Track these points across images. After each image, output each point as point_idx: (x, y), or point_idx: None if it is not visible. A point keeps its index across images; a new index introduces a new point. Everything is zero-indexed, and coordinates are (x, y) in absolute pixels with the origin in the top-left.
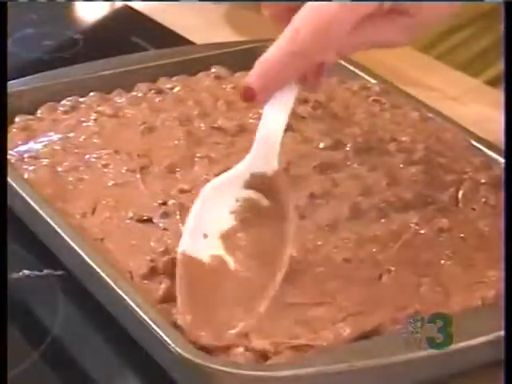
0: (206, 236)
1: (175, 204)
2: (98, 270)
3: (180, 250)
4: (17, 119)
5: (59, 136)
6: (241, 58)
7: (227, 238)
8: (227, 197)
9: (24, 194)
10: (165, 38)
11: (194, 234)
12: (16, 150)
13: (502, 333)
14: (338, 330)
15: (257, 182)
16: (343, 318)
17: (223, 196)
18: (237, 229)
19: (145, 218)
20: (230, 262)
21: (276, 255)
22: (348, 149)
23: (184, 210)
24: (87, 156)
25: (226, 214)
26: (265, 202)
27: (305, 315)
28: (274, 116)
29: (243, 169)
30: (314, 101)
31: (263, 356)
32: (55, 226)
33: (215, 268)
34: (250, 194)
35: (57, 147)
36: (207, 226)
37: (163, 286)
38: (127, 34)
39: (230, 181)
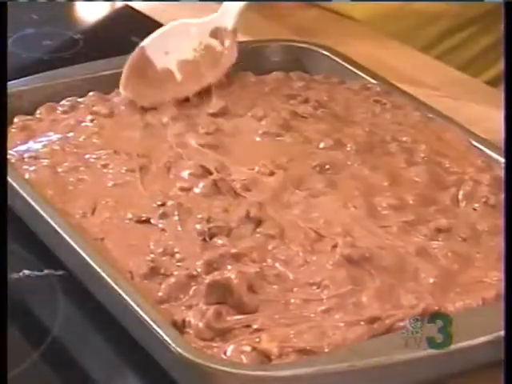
0: (167, 53)
1: (174, 205)
2: (99, 269)
3: (142, 44)
4: (15, 120)
5: (58, 136)
6: (241, 58)
7: (182, 63)
8: (194, 36)
9: (24, 194)
10: None
11: (158, 45)
12: (15, 149)
13: (502, 333)
14: (346, 334)
15: (218, 33)
16: (357, 322)
17: (191, 34)
18: (193, 62)
19: (144, 218)
20: (178, 77)
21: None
22: (349, 149)
23: (183, 210)
24: (87, 156)
25: (190, 49)
26: (219, 48)
27: (320, 322)
28: None
29: (212, 20)
30: (314, 101)
31: (267, 358)
32: (55, 226)
33: (162, 76)
34: (212, 41)
35: (56, 147)
36: (172, 47)
37: (163, 286)
38: (127, 33)
39: (200, 25)
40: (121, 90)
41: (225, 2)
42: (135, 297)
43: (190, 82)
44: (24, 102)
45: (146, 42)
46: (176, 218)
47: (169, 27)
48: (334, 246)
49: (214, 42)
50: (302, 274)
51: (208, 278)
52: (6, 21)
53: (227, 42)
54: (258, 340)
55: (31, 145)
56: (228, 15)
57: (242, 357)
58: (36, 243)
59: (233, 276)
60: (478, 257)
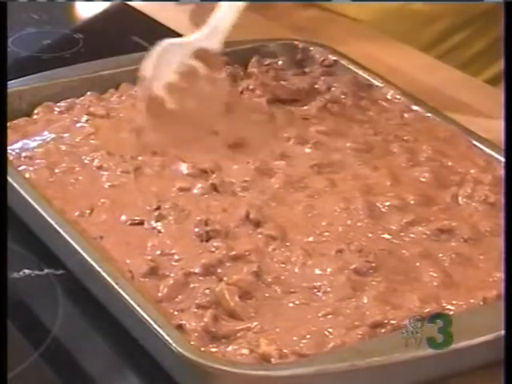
0: (155, 78)
1: (170, 206)
2: (99, 269)
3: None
4: (9, 123)
5: (53, 136)
6: (241, 57)
7: (169, 88)
8: (176, 58)
9: (24, 194)
10: (165, 37)
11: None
12: (12, 148)
13: (502, 333)
14: (348, 339)
15: (201, 54)
16: (359, 327)
17: (174, 56)
18: (178, 84)
19: (138, 221)
20: (169, 104)
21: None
22: (349, 151)
23: (179, 211)
24: (82, 157)
25: (171, 71)
26: (203, 70)
27: (320, 326)
28: (228, 9)
29: (195, 40)
30: (315, 102)
31: (267, 361)
32: (56, 226)
33: (158, 104)
34: (195, 62)
35: (51, 148)
36: (157, 72)
37: (162, 287)
38: (127, 33)
39: (183, 47)
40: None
41: (212, 22)
42: (136, 296)
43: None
44: (23, 101)
45: (147, 72)
46: (171, 218)
47: (157, 50)
48: (339, 251)
49: (197, 64)
50: (303, 277)
51: (202, 286)
52: (6, 21)
53: (213, 67)
54: (256, 343)
55: (28, 145)
56: (215, 36)
57: (240, 359)
58: (36, 243)
59: (223, 290)
60: (480, 258)
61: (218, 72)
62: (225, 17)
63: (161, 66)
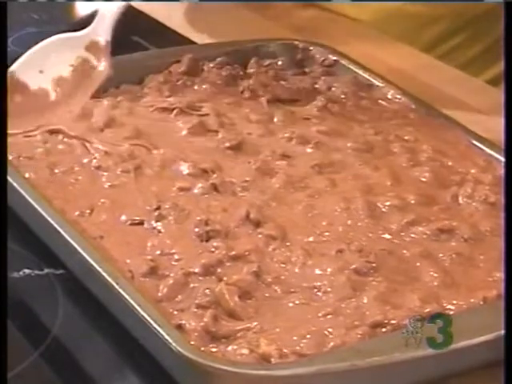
0: (41, 72)
1: (170, 206)
2: (99, 269)
3: (12, 68)
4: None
5: (54, 136)
6: (241, 57)
7: (58, 81)
8: (70, 51)
9: (24, 194)
10: (165, 37)
11: (31, 64)
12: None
13: (502, 332)
14: (348, 339)
15: (93, 47)
16: (359, 327)
17: (67, 50)
18: (68, 76)
19: (138, 221)
20: (53, 95)
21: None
22: (350, 151)
23: (179, 211)
24: (82, 157)
25: (65, 65)
26: (95, 62)
27: (320, 326)
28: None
29: (87, 34)
30: (315, 102)
31: (267, 360)
32: (56, 226)
33: (39, 97)
34: (87, 55)
35: (52, 148)
36: (46, 65)
37: (161, 287)
38: (127, 33)
39: (76, 40)
40: None
41: (98, 14)
42: (136, 296)
43: (63, 101)
44: None
45: (15, 66)
46: (172, 219)
47: (44, 44)
48: (339, 251)
49: (89, 56)
50: (303, 277)
51: (202, 286)
52: (6, 21)
53: (100, 57)
54: (256, 343)
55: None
56: (102, 28)
57: (240, 359)
58: (36, 243)
59: (223, 290)
60: (480, 258)
61: (102, 61)
62: (110, 8)
63: (50, 60)
